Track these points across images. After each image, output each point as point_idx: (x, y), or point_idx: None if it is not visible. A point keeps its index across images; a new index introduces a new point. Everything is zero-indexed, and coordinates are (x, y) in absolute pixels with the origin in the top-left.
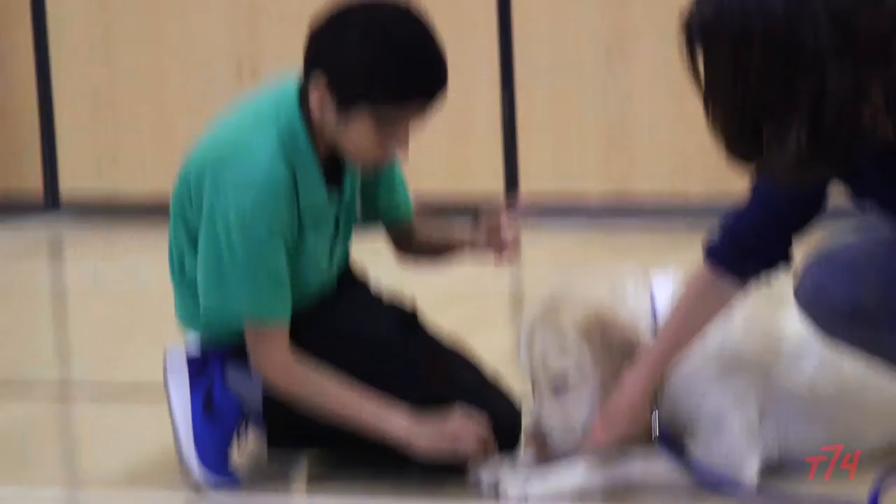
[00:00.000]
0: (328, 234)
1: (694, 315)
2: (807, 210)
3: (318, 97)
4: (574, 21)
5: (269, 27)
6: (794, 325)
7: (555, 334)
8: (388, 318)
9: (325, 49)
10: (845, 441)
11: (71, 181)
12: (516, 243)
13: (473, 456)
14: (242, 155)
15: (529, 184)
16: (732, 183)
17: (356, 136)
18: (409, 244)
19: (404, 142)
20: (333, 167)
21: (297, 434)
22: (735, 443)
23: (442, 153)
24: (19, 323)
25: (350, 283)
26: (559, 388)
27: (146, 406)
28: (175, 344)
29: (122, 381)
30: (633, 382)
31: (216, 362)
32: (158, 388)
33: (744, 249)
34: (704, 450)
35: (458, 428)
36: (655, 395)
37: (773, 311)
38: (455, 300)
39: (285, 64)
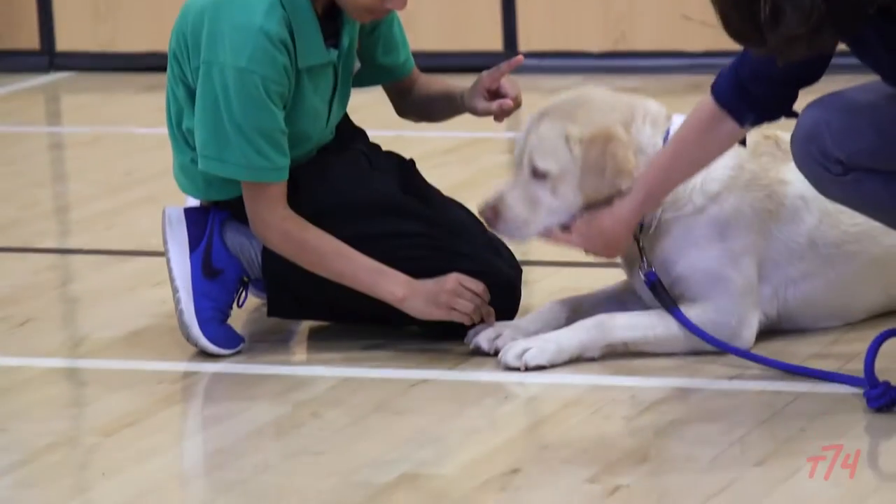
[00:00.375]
0: (327, 89)
1: (692, 147)
2: (814, 68)
3: None
4: None
5: None
6: (798, 179)
7: (555, 135)
8: (389, 167)
9: None
10: (844, 299)
11: (67, 35)
12: (517, 101)
13: (471, 316)
14: (239, 10)
15: (529, 42)
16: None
17: None
18: (410, 99)
19: None
20: (331, 22)
21: (298, 303)
22: (733, 303)
23: (441, 13)
24: (18, 181)
25: (348, 133)
26: (538, 182)
27: (146, 268)
28: (173, 205)
29: (121, 241)
30: (623, 204)
31: (215, 225)
32: (158, 248)
33: (747, 95)
34: (701, 309)
35: (455, 288)
36: (642, 231)
37: (778, 165)
38: (452, 155)
39: None
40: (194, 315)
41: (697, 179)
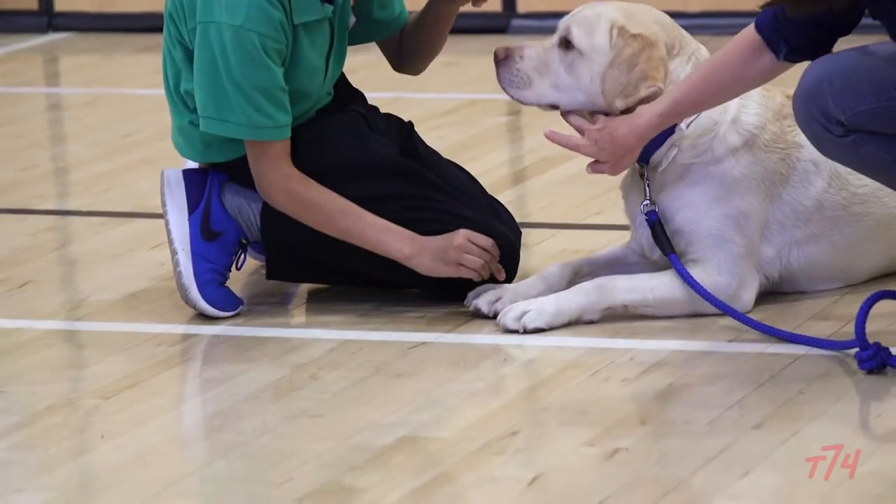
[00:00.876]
0: (324, 45)
1: (726, 71)
2: (845, 17)
3: None
4: None
5: None
6: (810, 146)
7: (605, 17)
8: (387, 129)
9: None
10: (847, 261)
11: None
12: None
13: (479, 272)
14: None
15: (528, 3)
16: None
17: None
18: (404, 48)
19: None
20: None
21: (297, 265)
22: (734, 264)
23: None
24: (16, 142)
25: (346, 94)
26: (562, 53)
27: (144, 230)
28: (171, 168)
29: (120, 203)
30: (642, 113)
31: (214, 187)
32: (157, 209)
33: (784, 30)
34: (702, 269)
35: (464, 244)
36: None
37: (797, 128)
38: (451, 116)
39: None
40: (193, 277)
41: (722, 128)
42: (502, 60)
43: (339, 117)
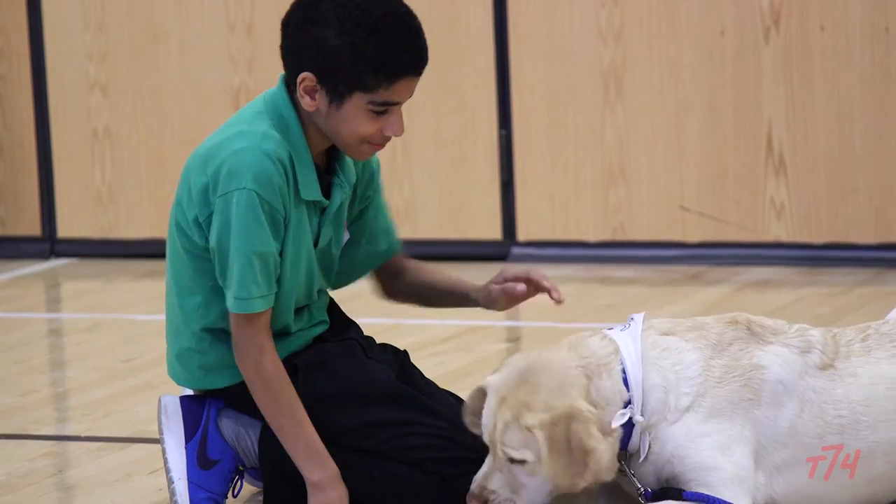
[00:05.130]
0: (310, 233)
1: None
2: None
3: (310, 96)
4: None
5: (268, 66)
6: (776, 362)
7: (517, 425)
8: (384, 357)
9: (306, 51)
10: (826, 490)
11: (69, 221)
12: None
13: None
14: (237, 140)
15: (528, 232)
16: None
17: (352, 120)
18: (401, 283)
19: (397, 120)
20: (324, 177)
21: (294, 492)
22: (725, 488)
23: (440, 202)
24: (17, 367)
25: (342, 323)
26: (517, 466)
27: (143, 456)
28: (169, 395)
29: (119, 428)
30: None
31: (211, 414)
32: (155, 435)
33: None
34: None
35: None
36: (630, 457)
37: (751, 350)
38: (450, 343)
39: None
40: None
41: (670, 399)
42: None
43: (338, 345)
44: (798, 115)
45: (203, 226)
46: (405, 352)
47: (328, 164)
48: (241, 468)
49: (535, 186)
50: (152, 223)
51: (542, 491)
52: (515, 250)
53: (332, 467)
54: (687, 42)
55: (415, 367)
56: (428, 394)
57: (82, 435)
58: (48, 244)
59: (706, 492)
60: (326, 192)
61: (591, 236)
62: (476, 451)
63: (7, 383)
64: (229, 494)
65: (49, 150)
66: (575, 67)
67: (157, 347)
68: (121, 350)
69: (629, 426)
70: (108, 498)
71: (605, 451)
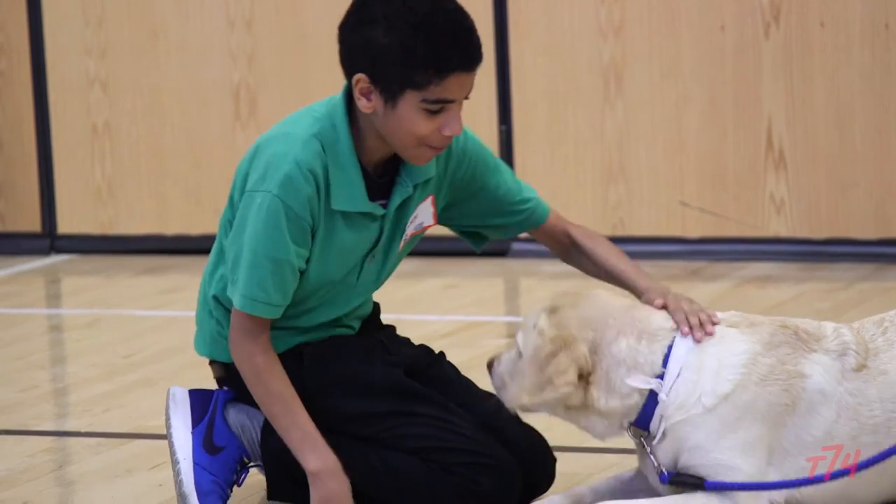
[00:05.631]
0: (367, 242)
1: None
2: None
3: (366, 98)
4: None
5: (268, 62)
6: (818, 371)
7: (532, 319)
8: (409, 353)
9: (357, 52)
10: (854, 490)
11: (69, 218)
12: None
13: None
14: (280, 143)
15: None
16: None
17: (407, 120)
18: (568, 256)
19: (454, 119)
20: (382, 180)
21: (298, 484)
22: (739, 493)
23: None
24: (17, 363)
25: (375, 327)
26: (518, 358)
27: (143, 451)
28: (178, 386)
29: (119, 423)
30: None
31: (219, 404)
32: (156, 430)
33: None
34: (713, 499)
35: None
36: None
37: (797, 357)
38: (451, 338)
39: (285, 100)
40: (193, 485)
41: (707, 382)
42: (490, 373)
43: (353, 338)
44: (798, 111)
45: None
46: (441, 353)
47: (390, 169)
48: (246, 460)
49: (534, 182)
50: (152, 219)
51: (520, 391)
52: (516, 246)
53: (330, 457)
54: (687, 38)
55: (451, 365)
56: (458, 391)
57: (82, 431)
58: (48, 240)
59: (713, 492)
60: (386, 194)
61: None
62: (478, 443)
63: (7, 379)
64: (233, 489)
65: (49, 146)
66: (575, 63)
67: (157, 343)
68: (121, 346)
69: (652, 403)
70: (108, 493)
71: (565, 394)
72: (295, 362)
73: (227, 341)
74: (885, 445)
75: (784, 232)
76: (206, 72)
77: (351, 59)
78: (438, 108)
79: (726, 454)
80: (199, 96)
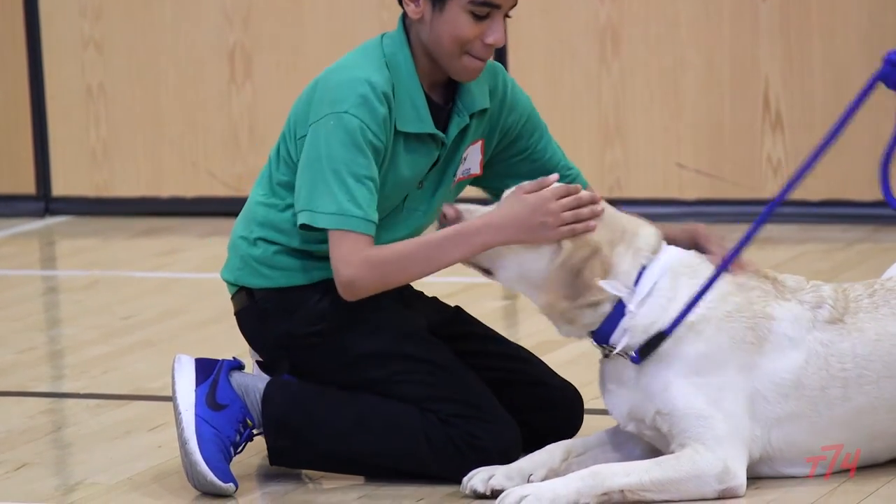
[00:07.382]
0: (424, 165)
1: None
2: None
3: (414, 3)
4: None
5: (263, 24)
6: (787, 317)
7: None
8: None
9: None
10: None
11: (63, 180)
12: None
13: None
14: (345, 70)
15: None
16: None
17: (452, 23)
18: None
19: (498, 26)
20: (440, 108)
21: (298, 449)
22: (718, 443)
23: None
24: (13, 325)
25: None
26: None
27: (141, 413)
28: (170, 351)
29: (117, 385)
30: None
31: (223, 369)
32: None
33: None
34: (690, 451)
35: (550, 207)
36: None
37: (768, 300)
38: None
39: (280, 62)
40: (194, 432)
41: (674, 306)
42: (449, 217)
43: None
44: (795, 72)
45: (299, 144)
46: (456, 307)
47: (446, 97)
48: (249, 422)
49: None
50: (147, 181)
51: (556, 297)
52: None
53: (476, 225)
54: None
55: (472, 318)
56: (483, 338)
57: (81, 392)
58: (43, 202)
59: (696, 444)
60: (445, 125)
61: None
62: (482, 398)
63: (4, 341)
64: (235, 453)
65: (43, 107)
66: (571, 24)
67: (155, 305)
68: (119, 308)
69: (616, 316)
70: (106, 454)
71: (603, 298)
72: (322, 295)
73: (253, 269)
74: (855, 401)
75: None
76: (201, 33)
77: None
78: (485, 12)
79: (695, 401)
80: (194, 58)
